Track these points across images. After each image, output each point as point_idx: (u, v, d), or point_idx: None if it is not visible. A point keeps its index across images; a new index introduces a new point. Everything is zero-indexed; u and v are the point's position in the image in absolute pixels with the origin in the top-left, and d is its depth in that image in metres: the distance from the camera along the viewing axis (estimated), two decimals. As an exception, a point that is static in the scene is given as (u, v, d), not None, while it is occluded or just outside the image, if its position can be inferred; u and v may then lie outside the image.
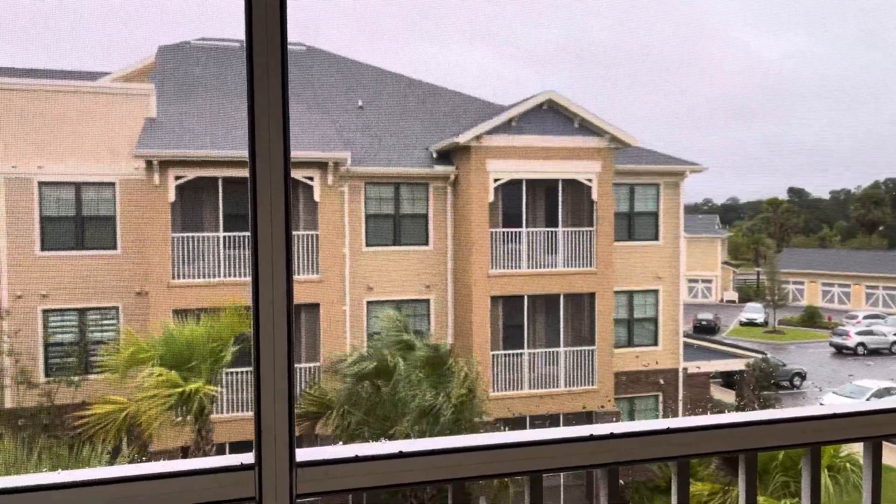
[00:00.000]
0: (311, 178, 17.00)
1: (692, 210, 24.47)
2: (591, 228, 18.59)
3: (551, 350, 18.54)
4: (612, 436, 2.10)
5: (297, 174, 16.94)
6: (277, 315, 1.85)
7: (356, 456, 1.92)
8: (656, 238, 19.70)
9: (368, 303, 17.87)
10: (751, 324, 28.57)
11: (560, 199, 18.62)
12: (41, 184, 16.27)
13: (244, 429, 15.54)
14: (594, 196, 18.48)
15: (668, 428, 2.16)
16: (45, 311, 16.23)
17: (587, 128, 18.40)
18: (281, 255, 1.85)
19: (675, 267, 19.92)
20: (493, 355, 17.92)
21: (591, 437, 2.08)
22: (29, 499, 1.63)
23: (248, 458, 1.85)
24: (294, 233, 18.55)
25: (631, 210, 19.53)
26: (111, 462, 11.67)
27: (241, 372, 15.98)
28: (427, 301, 18.47)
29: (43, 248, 16.30)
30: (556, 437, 2.09)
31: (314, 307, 17.10)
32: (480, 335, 17.69)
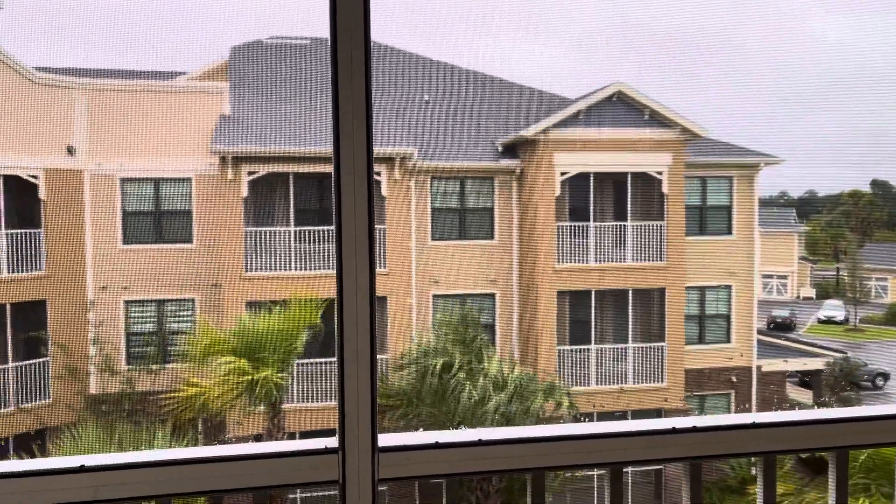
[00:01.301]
0: (378, 173, 17.20)
1: (767, 203, 23.67)
2: (661, 222, 18.20)
3: (619, 346, 18.27)
4: (694, 429, 2.06)
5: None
6: (360, 306, 1.89)
7: (436, 443, 1.94)
8: (729, 232, 19.16)
9: (434, 296, 17.98)
10: (829, 321, 27.46)
11: (629, 192, 18.30)
12: (123, 180, 16.97)
13: (313, 418, 15.88)
14: (664, 189, 18.08)
15: (753, 423, 2.10)
16: (126, 302, 16.96)
17: (657, 119, 18.01)
18: (364, 249, 1.88)
19: (749, 262, 19.33)
20: (558, 350, 17.77)
21: (674, 430, 2.05)
22: (134, 475, 1.72)
23: (332, 442, 1.90)
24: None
25: (703, 203, 19.04)
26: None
27: (311, 363, 16.33)
28: (492, 295, 18.46)
29: (124, 242, 17.02)
30: (637, 429, 2.06)
31: (381, 300, 17.31)
32: (546, 330, 17.57)
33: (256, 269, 16.72)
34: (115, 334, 16.73)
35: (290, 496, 13.03)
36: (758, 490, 2.17)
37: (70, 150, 16.65)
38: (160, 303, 17.19)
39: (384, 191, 17.08)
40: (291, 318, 12.57)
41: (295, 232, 17.08)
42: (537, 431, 2.03)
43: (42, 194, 16.36)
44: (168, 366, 15.81)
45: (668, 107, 17.94)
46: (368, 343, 1.90)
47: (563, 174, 17.72)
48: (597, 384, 17.87)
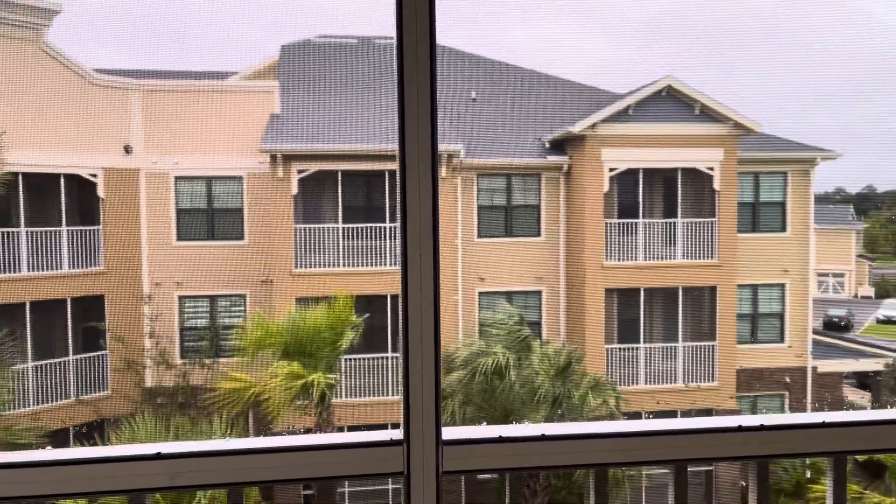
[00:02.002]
0: (425, 170, 17.25)
1: (823, 200, 23.01)
2: (712, 219, 17.86)
3: (669, 345, 18.00)
4: (762, 427, 2.03)
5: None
6: (425, 301, 1.90)
7: (500, 437, 1.95)
8: (783, 229, 18.69)
9: (480, 293, 17.98)
10: (889, 321, 26.59)
11: (679, 188, 18.00)
12: (177, 178, 17.39)
13: (358, 413, 16.04)
14: (716, 185, 17.74)
15: (823, 422, 2.06)
16: (180, 298, 17.39)
17: (708, 114, 17.67)
18: (428, 244, 1.90)
19: (804, 260, 18.83)
20: (606, 349, 17.60)
21: (740, 429, 2.02)
22: (207, 463, 1.77)
23: (397, 434, 1.92)
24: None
25: (756, 200, 18.61)
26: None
27: (357, 359, 16.50)
28: (539, 292, 18.37)
29: (178, 239, 17.44)
30: (703, 426, 2.04)
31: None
32: (594, 328, 17.41)
33: (305, 266, 16.96)
34: (170, 328, 17.18)
35: (338, 489, 13.20)
36: (828, 491, 2.12)
37: (127, 150, 17.13)
38: (213, 298, 17.59)
39: (431, 188, 17.11)
40: (338, 314, 12.72)
41: (343, 229, 17.27)
42: (601, 427, 2.02)
43: (101, 192, 16.87)
44: (220, 360, 16.17)
45: (719, 101, 17.59)
46: (433, 337, 1.92)
47: (611, 170, 17.53)
48: (646, 383, 17.64)
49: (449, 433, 1.93)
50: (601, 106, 17.93)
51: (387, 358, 17.01)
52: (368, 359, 16.62)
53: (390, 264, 17.32)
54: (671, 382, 17.75)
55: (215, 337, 17.04)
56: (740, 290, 18.29)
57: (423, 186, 1.90)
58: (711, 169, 17.74)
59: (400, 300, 1.96)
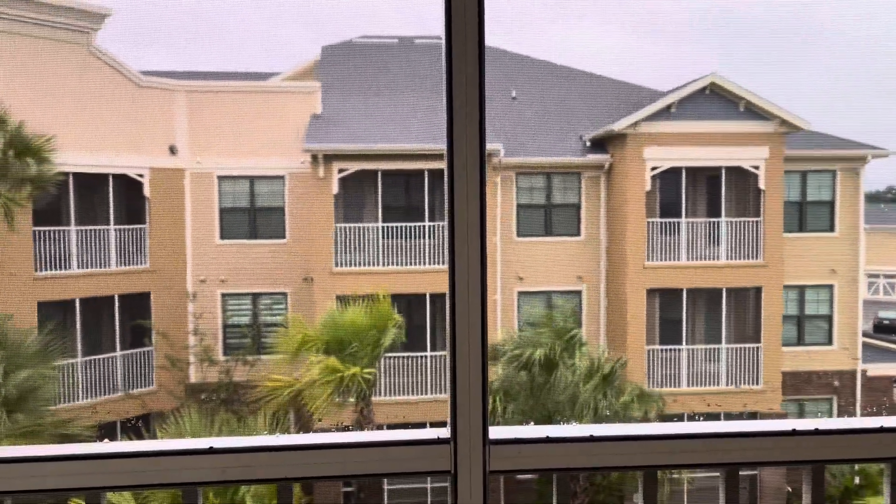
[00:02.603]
0: (464, 170, 17.25)
1: (874, 199, 22.37)
2: (757, 219, 17.51)
3: (712, 347, 17.70)
4: (817, 432, 1.98)
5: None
6: (472, 300, 1.90)
7: (547, 437, 1.94)
8: (831, 229, 18.23)
9: (519, 293, 17.91)
10: (942, 324, 25.73)
11: (723, 187, 17.68)
12: (220, 178, 17.69)
13: (398, 411, 16.11)
14: (761, 184, 17.38)
15: (881, 427, 2.00)
16: (223, 295, 17.68)
17: (754, 111, 17.32)
18: (476, 243, 1.90)
19: (854, 261, 18.34)
20: (647, 350, 17.38)
21: (794, 433, 1.97)
22: (258, 458, 1.79)
23: (444, 432, 1.92)
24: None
25: (803, 199, 18.19)
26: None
27: (396, 357, 16.57)
28: (579, 292, 18.22)
29: (222, 237, 17.74)
30: (755, 429, 2.00)
31: (467, 296, 17.35)
32: (635, 329, 17.21)
33: (346, 265, 17.11)
34: (214, 326, 17.48)
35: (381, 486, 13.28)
36: (885, 499, 2.06)
37: (172, 150, 17.48)
38: (255, 296, 17.85)
39: (470, 187, 17.11)
40: (380, 313, 12.79)
41: (383, 228, 17.37)
42: (650, 429, 1.99)
43: (147, 192, 17.25)
44: (263, 357, 16.40)
45: (765, 98, 17.22)
46: (480, 336, 1.92)
47: (653, 169, 17.30)
48: (688, 385, 17.38)
49: (496, 432, 1.92)
50: (643, 104, 17.71)
51: (426, 357, 17.06)
52: (407, 357, 16.69)
53: (429, 263, 17.36)
54: (714, 385, 17.45)
55: (257, 334, 17.30)
56: (786, 292, 17.89)
57: (470, 186, 1.90)
58: (756, 167, 17.38)
59: (447, 298, 1.96)
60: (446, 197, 1.90)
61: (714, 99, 17.40)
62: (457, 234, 1.88)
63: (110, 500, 8.10)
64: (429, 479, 15.56)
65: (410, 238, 17.43)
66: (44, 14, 15.80)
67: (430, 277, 17.05)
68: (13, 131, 13.67)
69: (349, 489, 14.21)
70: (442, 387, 16.93)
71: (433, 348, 17.32)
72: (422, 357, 16.96)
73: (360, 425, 12.56)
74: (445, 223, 1.92)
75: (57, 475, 1.77)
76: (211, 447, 1.78)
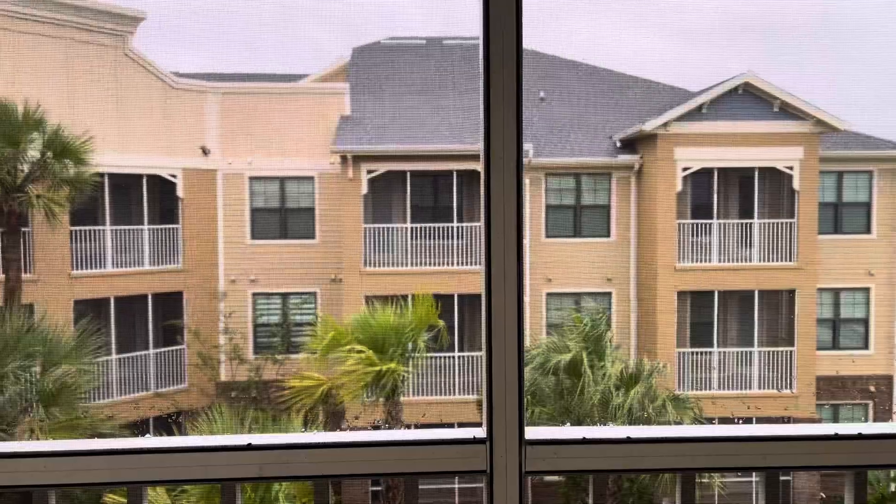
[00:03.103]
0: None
1: (912, 200, 21.88)
2: (791, 220, 17.23)
3: (744, 350, 17.45)
4: (860, 436, 1.94)
5: (478, 166, 17.22)
6: (508, 300, 1.90)
7: (584, 438, 1.93)
8: (868, 231, 17.86)
9: (547, 294, 17.82)
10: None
11: (756, 188, 17.43)
12: (251, 178, 17.89)
13: (425, 411, 16.12)
14: (795, 185, 17.10)
15: (927, 432, 1.95)
16: (254, 295, 17.87)
17: (788, 111, 17.05)
18: (512, 244, 1.89)
19: (891, 263, 17.95)
20: (678, 353, 17.19)
21: (837, 437, 1.93)
22: (295, 455, 1.80)
23: (479, 432, 1.92)
24: (477, 224, 18.81)
25: (838, 200, 17.85)
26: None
27: (423, 357, 16.58)
28: (608, 294, 18.09)
29: (252, 238, 17.93)
30: (796, 433, 1.97)
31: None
32: (665, 331, 17.04)
33: (374, 265, 17.18)
34: (244, 325, 17.68)
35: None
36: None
37: (204, 151, 17.71)
38: (284, 296, 18.02)
39: (499, 188, 17.09)
40: (415, 314, 12.82)
41: (411, 229, 17.42)
42: (688, 431, 1.97)
43: (180, 192, 17.50)
44: (292, 356, 16.54)
45: (800, 97, 16.94)
46: (516, 336, 1.91)
47: (684, 170, 17.12)
48: (719, 388, 17.15)
49: (532, 433, 1.91)
50: (674, 104, 17.53)
51: (453, 357, 17.06)
52: (435, 358, 16.70)
53: (457, 264, 17.37)
54: (746, 388, 17.21)
55: (287, 333, 17.45)
56: (821, 294, 17.58)
57: (507, 187, 1.90)
58: (791, 168, 17.11)
59: (483, 298, 1.96)
60: (482, 198, 1.90)
61: (747, 99, 17.16)
62: (493, 234, 1.88)
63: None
64: (457, 478, 15.57)
65: (438, 238, 17.45)
66: (81, 17, 16.12)
67: (457, 278, 17.06)
68: (52, 133, 13.97)
69: (377, 487, 14.26)
70: (469, 387, 16.91)
71: (461, 349, 17.32)
72: (449, 357, 16.96)
73: (388, 425, 12.59)
74: (481, 224, 1.92)
75: (100, 469, 1.80)
76: (249, 444, 1.80)
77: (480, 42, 1.87)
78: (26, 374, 10.32)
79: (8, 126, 13.41)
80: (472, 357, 17.31)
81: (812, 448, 1.95)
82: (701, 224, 17.45)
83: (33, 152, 13.84)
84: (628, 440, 1.93)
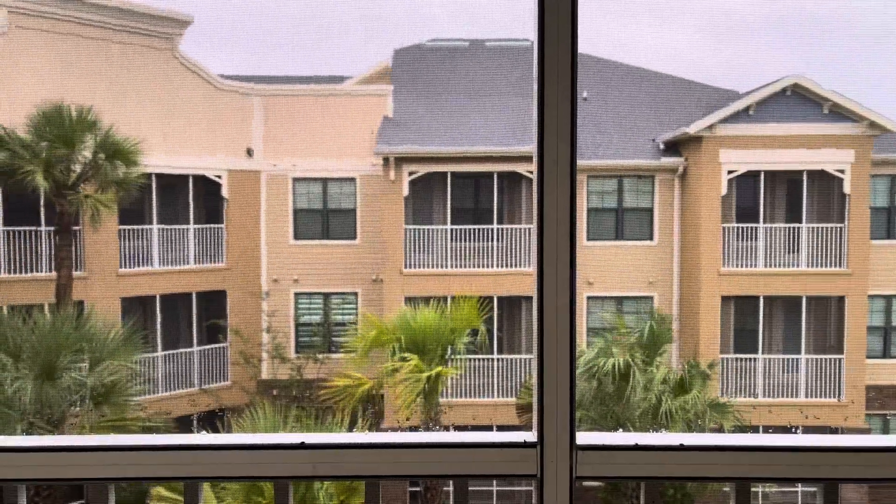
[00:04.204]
0: (531, 172, 17.16)
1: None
2: (841, 224, 16.79)
3: (790, 357, 17.06)
4: (923, 449, 1.87)
5: (520, 168, 17.21)
6: (561, 303, 1.88)
7: (636, 444, 1.90)
8: (923, 236, 17.33)
9: (589, 298, 17.67)
10: None
11: (804, 192, 17.03)
12: (294, 179, 18.12)
13: (462, 413, 16.11)
14: (846, 189, 16.66)
15: None
16: (296, 294, 18.10)
17: (839, 113, 16.62)
18: (565, 249, 1.88)
19: (946, 270, 17.37)
20: (721, 359, 16.89)
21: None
22: (348, 454, 1.82)
23: (530, 436, 1.91)
24: (518, 226, 18.77)
25: (891, 204, 17.34)
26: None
27: (461, 359, 16.58)
28: (650, 298, 17.86)
29: (295, 238, 18.16)
30: (856, 444, 1.91)
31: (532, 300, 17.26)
32: (708, 336, 16.76)
33: (415, 266, 17.25)
34: (286, 324, 17.90)
35: (445, 488, 13.30)
36: None
37: (249, 152, 18.00)
38: (326, 296, 18.20)
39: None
40: (458, 315, 12.82)
41: (451, 230, 17.45)
42: (744, 440, 1.93)
43: (225, 193, 17.81)
44: (333, 356, 16.69)
45: (852, 99, 16.51)
46: (568, 340, 1.90)
47: (729, 172, 16.81)
48: (764, 396, 16.80)
49: (583, 438, 1.90)
50: (719, 106, 17.24)
51: (492, 360, 17.03)
52: (473, 360, 16.69)
53: (497, 266, 17.34)
54: (792, 396, 16.82)
55: (328, 333, 17.63)
56: (872, 301, 17.09)
57: (560, 189, 1.88)
58: (841, 171, 16.68)
59: (535, 301, 1.94)
60: (535, 200, 1.89)
61: (796, 100, 16.79)
62: (546, 237, 1.87)
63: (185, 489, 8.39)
64: (494, 481, 15.52)
65: (479, 240, 17.44)
66: (133, 21, 16.52)
67: (497, 280, 17.03)
68: (103, 135, 14.34)
69: (415, 488, 14.30)
70: (507, 390, 16.86)
71: (500, 351, 17.28)
72: (488, 360, 16.93)
73: (427, 426, 12.61)
74: (534, 226, 1.91)
75: (158, 464, 1.84)
76: (303, 442, 1.81)
77: (535, 44, 1.87)
78: (76, 370, 10.60)
79: (62, 127, 13.81)
80: (511, 360, 17.26)
81: (871, 460, 1.89)
82: (746, 228, 17.12)
83: (86, 153, 14.23)
84: (681, 447, 1.89)
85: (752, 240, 17.10)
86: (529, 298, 17.63)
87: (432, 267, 17.27)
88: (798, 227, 17.06)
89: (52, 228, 15.01)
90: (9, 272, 15.21)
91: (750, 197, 17.28)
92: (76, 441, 1.94)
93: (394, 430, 14.96)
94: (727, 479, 1.94)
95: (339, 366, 15.29)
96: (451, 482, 13.86)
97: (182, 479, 1.84)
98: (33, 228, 15.51)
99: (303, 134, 18.11)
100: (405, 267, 17.15)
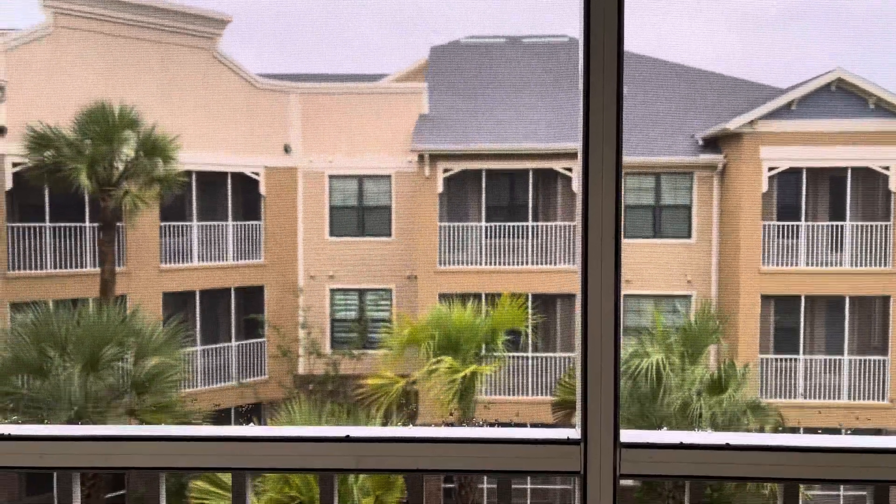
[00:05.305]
0: (569, 169, 17.08)
1: None
2: (887, 223, 16.37)
3: (832, 357, 16.70)
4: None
5: (555, 165, 17.12)
6: (605, 301, 1.87)
7: (681, 443, 1.89)
8: (973, 235, 16.81)
9: (625, 296, 17.51)
10: None
11: (848, 189, 16.65)
12: (331, 176, 18.27)
13: (495, 411, 16.09)
14: (892, 186, 16.24)
15: None
16: (332, 290, 18.26)
17: (886, 108, 16.20)
18: (610, 246, 1.87)
19: None
20: (760, 359, 16.60)
21: (955, 452, 1.83)
22: (391, 448, 1.84)
23: (573, 433, 1.90)
24: (553, 223, 18.64)
25: (939, 202, 16.87)
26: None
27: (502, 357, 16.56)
28: (689, 297, 17.63)
29: (331, 234, 18.32)
30: (908, 446, 1.87)
31: (570, 297, 17.20)
32: (747, 335, 16.49)
33: (449, 263, 17.27)
34: (322, 319, 18.07)
35: (479, 486, 13.32)
36: None
37: (286, 149, 18.19)
38: (361, 292, 18.33)
39: (575, 187, 16.93)
40: (498, 314, 12.79)
41: (486, 227, 17.43)
42: (791, 440, 1.90)
43: (262, 190, 18.03)
44: (368, 352, 16.81)
45: (898, 94, 16.08)
46: (612, 338, 1.89)
47: (770, 169, 16.51)
48: (805, 398, 16.47)
49: (627, 435, 1.89)
50: (760, 102, 16.93)
51: (527, 358, 16.97)
52: (509, 357, 16.66)
53: (532, 263, 17.27)
54: (834, 398, 16.47)
55: (364, 329, 17.75)
56: (919, 301, 16.64)
57: (606, 187, 1.87)
58: (887, 168, 16.26)
59: (579, 298, 1.94)
60: (579, 198, 1.88)
61: (840, 95, 16.41)
62: (590, 235, 1.86)
63: (223, 477, 8.55)
64: (528, 478, 15.47)
65: (513, 237, 17.40)
66: (174, 21, 16.81)
67: (532, 277, 16.97)
68: (145, 132, 14.63)
69: (450, 485, 14.34)
70: (542, 388, 16.79)
71: (534, 349, 17.22)
72: (523, 358, 16.88)
73: (461, 424, 12.63)
74: (579, 224, 1.90)
75: (204, 454, 1.88)
76: (347, 436, 1.84)
77: (581, 40, 1.86)
78: (119, 363, 10.85)
79: (105, 125, 14.12)
80: (546, 358, 17.18)
81: (927, 463, 1.85)
82: (788, 226, 16.79)
83: (128, 150, 14.53)
84: (727, 447, 1.87)
85: (793, 238, 16.78)
86: (565, 296, 17.57)
87: (466, 264, 17.27)
88: (841, 225, 16.69)
89: (96, 224, 15.37)
90: (55, 267, 15.60)
91: (792, 194, 16.95)
92: (126, 431, 1.99)
93: (448, 425, 15.01)
94: (774, 479, 1.91)
95: (375, 362, 15.39)
96: (485, 478, 13.86)
97: (229, 469, 1.87)
98: (78, 224, 15.89)
99: (339, 131, 18.24)
100: (439, 264, 17.18)
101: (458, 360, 12.22)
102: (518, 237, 17.40)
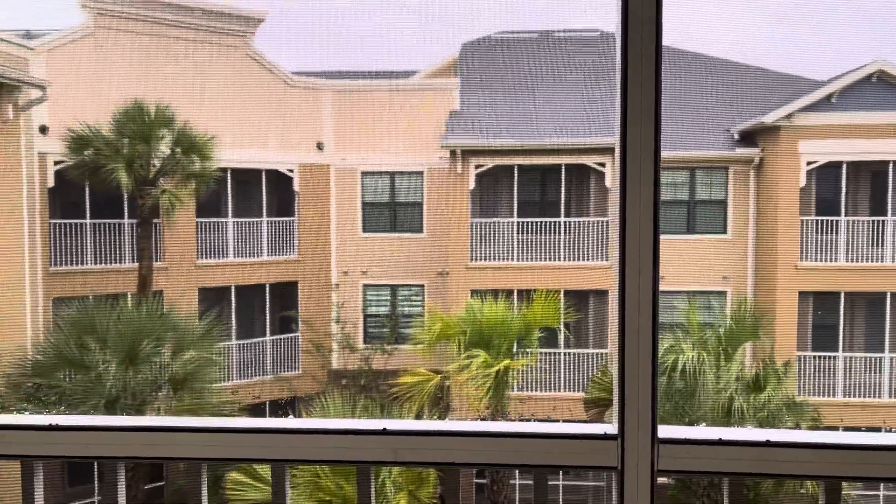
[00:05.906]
0: (602, 164, 16.93)
1: None
2: (930, 218, 15.96)
3: (873, 355, 16.34)
4: None
5: (588, 160, 16.98)
6: (643, 296, 1.86)
7: (720, 439, 1.87)
8: None
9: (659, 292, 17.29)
10: None
11: (890, 183, 16.24)
12: (363, 173, 18.37)
13: (528, 407, 16.05)
14: (936, 180, 15.83)
15: None
16: (364, 286, 18.37)
17: (929, 100, 15.78)
18: (648, 241, 1.85)
19: None
20: (798, 356, 16.30)
21: None
22: (427, 441, 1.85)
23: (611, 428, 1.90)
24: (585, 219, 18.48)
25: None
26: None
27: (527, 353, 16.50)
28: (724, 293, 17.39)
29: (364, 231, 18.42)
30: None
31: (602, 293, 17.06)
32: (785, 333, 16.20)
33: (480, 259, 17.25)
34: (355, 315, 18.20)
35: (511, 482, 13.31)
36: None
37: (320, 147, 18.33)
38: (394, 288, 18.41)
39: (608, 182, 16.78)
40: (534, 311, 12.74)
41: (517, 223, 17.37)
42: (833, 437, 1.87)
43: (296, 187, 18.20)
44: (400, 347, 16.89)
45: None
46: (650, 333, 1.88)
47: (809, 163, 16.18)
48: (844, 396, 16.15)
49: (665, 431, 1.87)
50: (797, 94, 16.59)
51: (559, 354, 16.89)
52: (540, 353, 16.60)
53: (564, 259, 17.17)
54: (875, 396, 16.11)
55: (395, 324, 17.84)
56: (964, 298, 16.20)
57: (644, 182, 1.86)
58: (931, 161, 15.84)
59: (617, 293, 1.93)
60: (618, 193, 1.87)
61: (881, 87, 16.01)
62: (628, 230, 1.85)
63: (259, 470, 8.65)
64: (560, 472, 15.43)
65: (545, 233, 17.31)
66: (209, 21, 17.04)
67: (564, 273, 16.87)
68: (180, 130, 14.85)
69: (482, 480, 14.35)
70: (574, 384, 16.70)
71: (566, 345, 17.13)
72: (554, 354, 16.81)
73: (494, 419, 12.62)
74: (615, 219, 1.89)
75: (244, 446, 1.91)
76: (385, 428, 1.85)
77: (618, 34, 1.85)
78: (157, 357, 11.05)
79: (142, 123, 14.36)
80: (578, 354, 17.08)
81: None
82: (827, 221, 16.45)
83: (164, 148, 14.77)
84: (768, 443, 1.85)
85: (832, 233, 16.43)
86: (598, 292, 17.44)
87: (498, 260, 17.24)
88: (883, 220, 16.30)
89: (134, 221, 15.67)
90: (95, 263, 15.94)
91: (831, 189, 16.60)
92: (168, 422, 2.03)
93: (484, 419, 15.01)
94: (815, 476, 1.89)
95: (407, 357, 15.45)
96: (517, 474, 13.85)
97: (269, 460, 1.90)
98: (117, 221, 16.22)
99: (371, 128, 18.33)
100: (471, 260, 17.17)
101: (491, 355, 12.21)
102: (550, 233, 17.32)
